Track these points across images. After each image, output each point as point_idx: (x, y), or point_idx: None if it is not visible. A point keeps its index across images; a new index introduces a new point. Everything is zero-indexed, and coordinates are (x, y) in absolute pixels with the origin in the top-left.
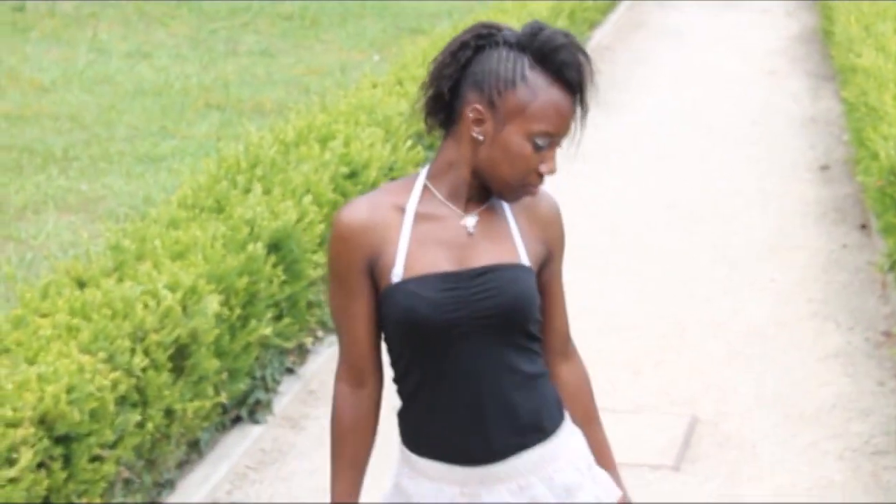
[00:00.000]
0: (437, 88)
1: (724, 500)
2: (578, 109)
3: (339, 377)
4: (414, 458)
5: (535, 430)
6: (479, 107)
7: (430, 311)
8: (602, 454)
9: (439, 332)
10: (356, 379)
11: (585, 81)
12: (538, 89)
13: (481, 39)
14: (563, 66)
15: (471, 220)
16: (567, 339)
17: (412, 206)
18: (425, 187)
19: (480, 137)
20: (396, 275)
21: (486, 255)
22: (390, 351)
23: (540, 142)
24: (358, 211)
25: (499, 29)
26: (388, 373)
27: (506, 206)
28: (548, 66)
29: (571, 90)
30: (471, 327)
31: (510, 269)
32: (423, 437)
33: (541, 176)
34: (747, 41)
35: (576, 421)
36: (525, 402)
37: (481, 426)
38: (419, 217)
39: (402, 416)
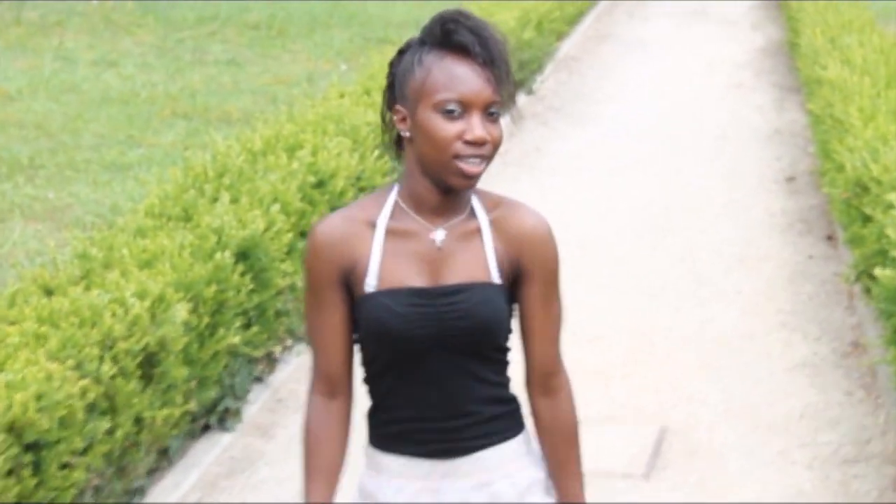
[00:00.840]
0: (381, 116)
1: None
2: (491, 71)
3: (311, 389)
4: (378, 455)
5: (498, 429)
6: (398, 106)
7: (400, 325)
8: None
9: (408, 344)
10: (328, 390)
11: (476, 39)
12: (431, 64)
13: (399, 54)
14: (450, 34)
15: (440, 234)
16: (549, 373)
17: (383, 221)
18: (396, 203)
19: (408, 133)
20: (370, 285)
21: (457, 272)
22: (363, 352)
23: (451, 108)
24: (332, 225)
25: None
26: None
27: (482, 220)
28: (441, 43)
29: (470, 55)
30: (439, 343)
31: (480, 288)
32: (389, 432)
33: (472, 145)
34: (714, 54)
35: (547, 463)
36: (490, 406)
37: (447, 423)
38: (390, 233)
39: (371, 414)
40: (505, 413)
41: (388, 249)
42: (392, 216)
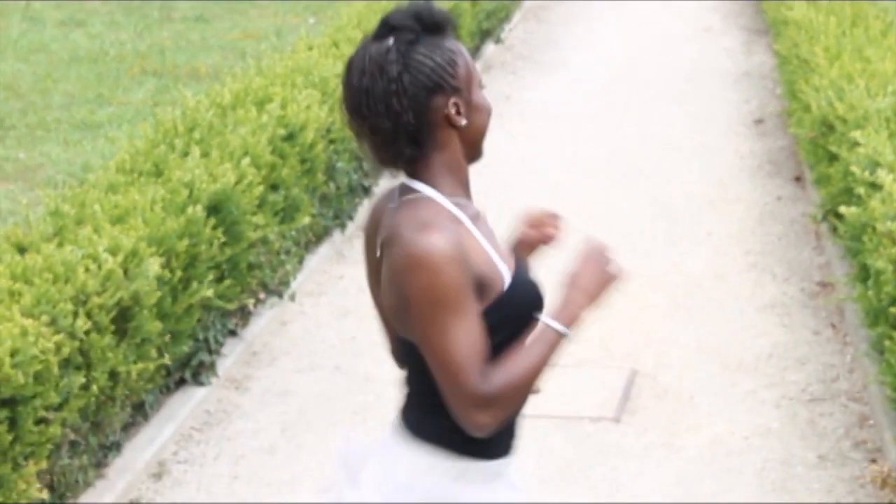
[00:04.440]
0: (406, 126)
1: (664, 450)
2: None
3: (479, 400)
4: (490, 464)
5: None
6: (453, 100)
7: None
8: None
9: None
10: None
11: (452, 19)
12: (458, 49)
13: (400, 56)
14: (447, 24)
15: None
16: None
17: (464, 218)
18: (448, 199)
19: (465, 122)
20: (506, 275)
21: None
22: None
23: (482, 83)
24: (447, 236)
25: (392, 32)
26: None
27: None
28: (443, 30)
29: (451, 31)
30: None
31: None
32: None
33: None
34: None
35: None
36: None
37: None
38: (474, 222)
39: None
40: None
41: (485, 238)
42: (459, 207)
